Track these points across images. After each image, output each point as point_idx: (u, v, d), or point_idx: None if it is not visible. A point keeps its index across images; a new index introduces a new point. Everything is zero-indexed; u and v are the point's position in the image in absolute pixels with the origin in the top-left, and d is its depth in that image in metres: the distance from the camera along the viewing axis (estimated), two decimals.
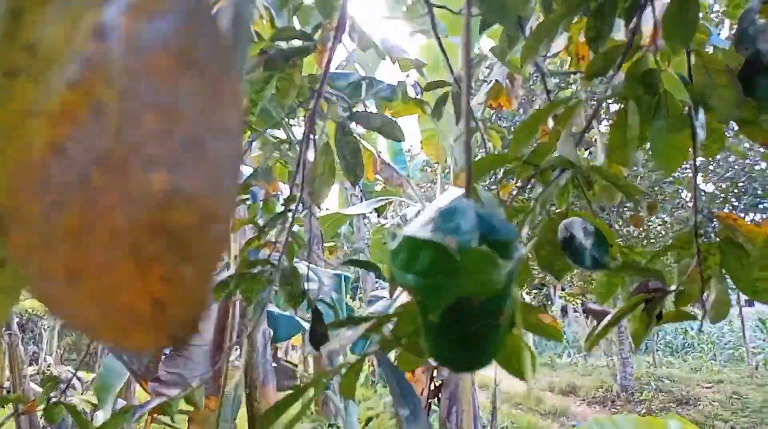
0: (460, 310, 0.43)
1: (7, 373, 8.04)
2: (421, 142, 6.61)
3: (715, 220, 0.89)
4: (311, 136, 1.24)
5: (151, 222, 0.16)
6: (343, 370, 0.75)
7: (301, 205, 1.36)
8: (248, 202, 1.49)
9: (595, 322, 0.94)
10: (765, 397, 9.29)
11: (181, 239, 0.16)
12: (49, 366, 10.30)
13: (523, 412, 9.39)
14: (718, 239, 0.89)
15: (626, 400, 10.17)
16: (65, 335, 13.81)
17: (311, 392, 0.75)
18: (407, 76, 1.65)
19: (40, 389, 1.41)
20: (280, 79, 1.23)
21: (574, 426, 8.44)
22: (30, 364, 10.75)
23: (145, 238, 0.16)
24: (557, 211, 0.93)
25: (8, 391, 8.30)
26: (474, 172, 0.86)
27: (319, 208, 1.29)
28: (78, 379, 10.87)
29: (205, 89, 0.19)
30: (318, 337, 1.36)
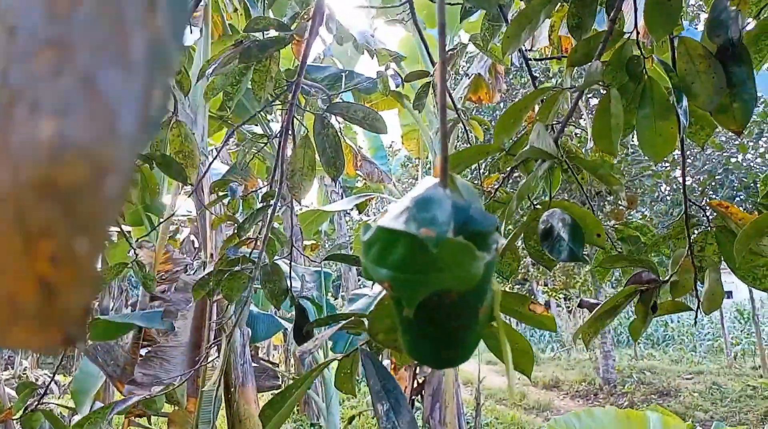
0: (437, 305, 0.40)
1: None
2: (402, 137, 6.60)
3: (707, 208, 0.88)
4: (290, 130, 1.21)
5: (39, 180, 0.13)
6: (333, 366, 0.73)
7: (281, 200, 1.32)
8: (227, 200, 1.45)
9: (586, 316, 0.93)
10: (743, 387, 9.47)
11: (73, 202, 0.13)
12: (24, 370, 10.10)
13: (506, 407, 9.45)
14: (713, 227, 0.88)
15: (609, 393, 10.28)
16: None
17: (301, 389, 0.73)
18: (386, 68, 1.62)
19: (15, 394, 1.36)
20: (256, 71, 1.19)
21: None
22: (5, 369, 10.54)
23: (32, 202, 0.13)
24: (542, 201, 0.92)
25: None
26: (457, 163, 0.84)
27: (299, 203, 1.25)
28: (55, 383, 10.69)
29: (104, 15, 0.15)
30: (302, 333, 1.33)
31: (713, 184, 7.03)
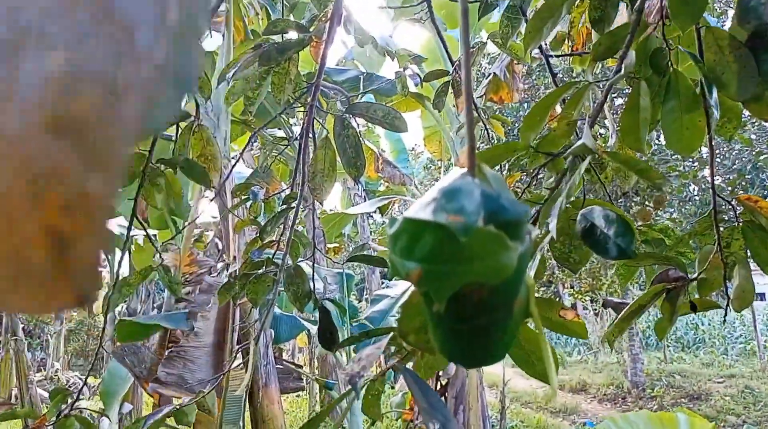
0: (468, 299, 0.39)
1: (14, 379, 8.05)
2: (424, 139, 6.58)
3: (735, 203, 0.85)
4: (310, 131, 1.21)
5: (48, 118, 0.12)
6: (334, 383, 0.71)
7: (303, 202, 1.32)
8: (249, 203, 1.46)
9: (613, 316, 0.91)
10: None
11: (85, 134, 0.12)
12: (56, 371, 10.32)
13: (532, 410, 9.33)
14: (741, 221, 0.85)
15: (637, 396, 10.09)
16: (72, 340, 13.88)
17: (343, 404, 0.71)
18: (404, 68, 1.61)
19: (47, 395, 1.38)
20: (275, 74, 1.19)
21: (584, 424, 8.38)
22: (38, 370, 10.79)
23: (41, 143, 0.12)
24: (571, 200, 0.90)
25: (16, 398, 8.31)
26: (485, 162, 0.82)
27: (321, 205, 1.25)
28: (85, 384, 10.90)
29: None
30: (327, 336, 1.32)
31: (743, 183, 6.86)
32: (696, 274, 0.87)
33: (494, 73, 2.16)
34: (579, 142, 0.65)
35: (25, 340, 7.75)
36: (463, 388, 5.77)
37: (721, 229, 0.87)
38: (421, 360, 0.79)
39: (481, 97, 2.27)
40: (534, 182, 0.91)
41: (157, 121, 0.15)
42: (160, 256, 1.25)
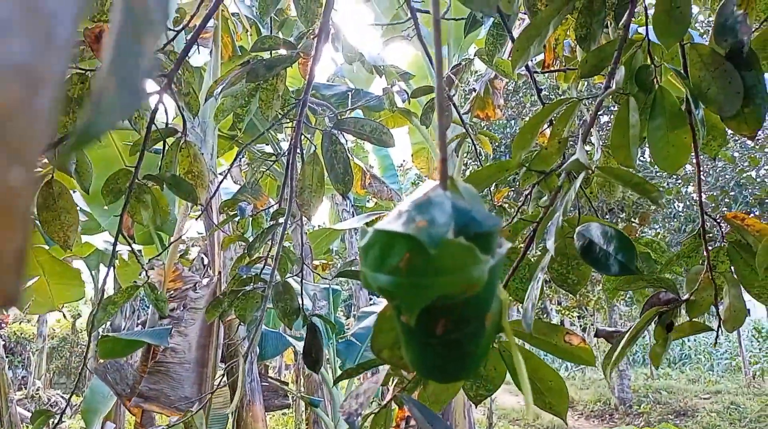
0: (440, 313, 0.39)
1: None
2: (412, 155, 6.61)
3: (722, 221, 0.86)
4: (298, 147, 1.21)
5: None
6: (341, 385, 0.69)
7: (291, 218, 1.32)
8: (237, 219, 1.46)
9: (605, 343, 0.90)
10: (762, 406, 9.24)
11: (6, 126, 0.12)
12: (38, 390, 10.10)
13: (520, 427, 9.29)
14: (726, 243, 0.85)
15: (624, 413, 10.08)
16: (55, 358, 13.61)
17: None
18: (392, 84, 1.63)
19: (28, 414, 1.34)
20: (263, 90, 1.20)
21: None
22: (19, 389, 10.55)
23: None
24: (566, 218, 0.90)
25: None
26: (477, 183, 0.82)
27: (309, 220, 1.25)
28: (69, 405, 10.68)
29: None
30: (311, 357, 1.31)
31: (727, 200, 6.96)
32: (686, 296, 0.86)
33: (474, 89, 2.19)
34: (572, 158, 0.65)
35: (6, 357, 7.59)
36: (449, 406, 5.73)
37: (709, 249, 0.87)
38: (425, 392, 0.77)
39: (467, 113, 2.30)
40: (525, 201, 0.91)
41: (100, 123, 0.15)
42: (146, 274, 1.25)
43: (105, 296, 1.18)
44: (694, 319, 0.80)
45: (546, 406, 0.74)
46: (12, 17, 0.12)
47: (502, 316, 0.46)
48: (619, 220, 8.25)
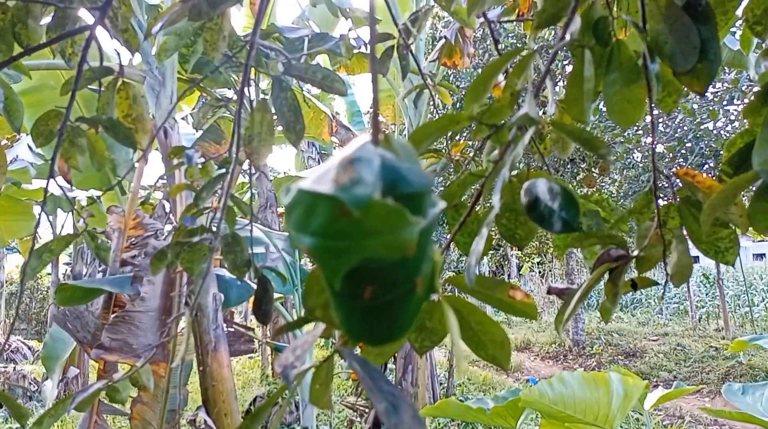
0: (367, 276, 0.37)
1: None
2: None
3: (673, 177, 0.86)
4: (244, 93, 1.16)
5: None
6: (309, 374, 0.66)
7: (239, 166, 1.28)
8: (184, 166, 1.40)
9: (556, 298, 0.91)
10: (706, 348, 9.83)
11: None
12: None
13: (479, 368, 9.67)
14: (677, 199, 0.85)
15: (578, 354, 10.59)
16: (14, 304, 13.41)
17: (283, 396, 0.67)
18: (349, 30, 1.56)
19: None
20: (207, 30, 1.13)
21: (528, 381, 8.75)
22: None
23: None
24: (515, 173, 0.88)
25: None
26: (427, 134, 0.80)
27: (258, 169, 1.21)
28: (29, 348, 10.61)
29: None
30: (261, 309, 1.30)
31: (683, 151, 7.12)
32: (636, 252, 0.87)
33: (445, 37, 2.13)
34: (521, 112, 0.63)
35: None
36: (411, 349, 5.90)
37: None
38: (365, 348, 0.76)
39: (434, 61, 2.25)
40: (474, 155, 0.90)
41: None
42: (84, 220, 1.20)
43: (41, 243, 1.13)
44: (642, 275, 0.81)
45: (489, 357, 0.75)
46: None
47: (435, 277, 0.45)
48: (580, 170, 8.39)
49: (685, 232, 0.88)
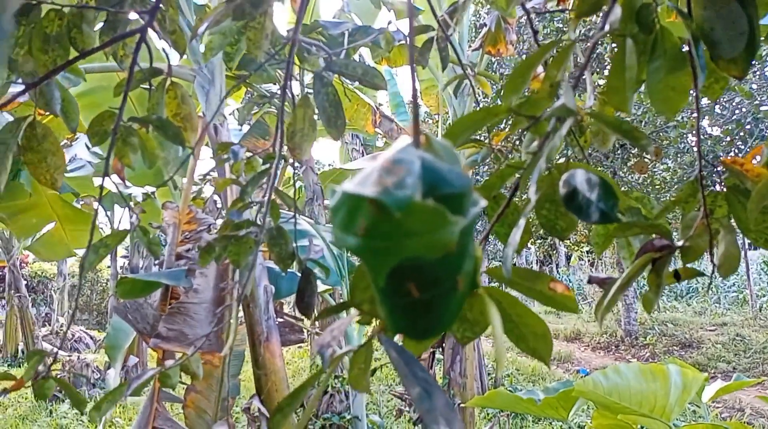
0: (410, 274, 0.39)
1: (20, 334, 8.22)
2: (421, 92, 6.47)
3: (720, 166, 0.83)
4: (287, 89, 1.18)
5: None
6: (347, 358, 0.68)
7: (283, 161, 1.30)
8: (231, 162, 1.44)
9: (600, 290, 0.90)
10: (767, 338, 9.40)
11: None
12: (61, 326, 10.53)
13: (527, 358, 9.56)
14: (724, 188, 0.83)
15: (630, 344, 10.32)
16: (74, 296, 14.14)
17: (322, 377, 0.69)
18: (389, 23, 1.56)
19: (54, 349, 1.36)
20: (250, 29, 1.15)
21: (578, 371, 8.59)
22: (43, 325, 11.01)
23: None
24: (555, 163, 0.88)
25: (23, 352, 8.51)
26: (464, 128, 0.80)
27: (301, 164, 1.23)
28: (91, 338, 11.15)
29: None
30: (303, 301, 1.32)
31: (742, 133, 6.79)
32: (681, 242, 0.85)
33: (485, 24, 2.10)
34: (558, 103, 0.62)
35: (29, 296, 7.87)
36: None
37: (705, 195, 0.85)
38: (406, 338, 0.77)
39: (478, 49, 2.22)
40: (513, 147, 0.89)
41: None
42: (137, 216, 1.25)
43: (98, 238, 1.19)
44: (687, 265, 0.79)
45: (530, 350, 0.75)
46: None
47: (476, 274, 0.45)
48: (631, 155, 8.13)
49: (733, 222, 0.86)
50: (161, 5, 1.12)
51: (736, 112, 6.84)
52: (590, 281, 0.92)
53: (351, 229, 0.38)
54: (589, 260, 17.91)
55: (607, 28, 0.76)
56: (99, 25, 1.26)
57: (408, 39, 0.51)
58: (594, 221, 0.67)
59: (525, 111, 0.80)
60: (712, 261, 0.78)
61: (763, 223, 0.74)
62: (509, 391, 2.95)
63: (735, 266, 0.77)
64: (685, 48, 0.79)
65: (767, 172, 0.76)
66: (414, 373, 0.58)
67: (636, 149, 7.81)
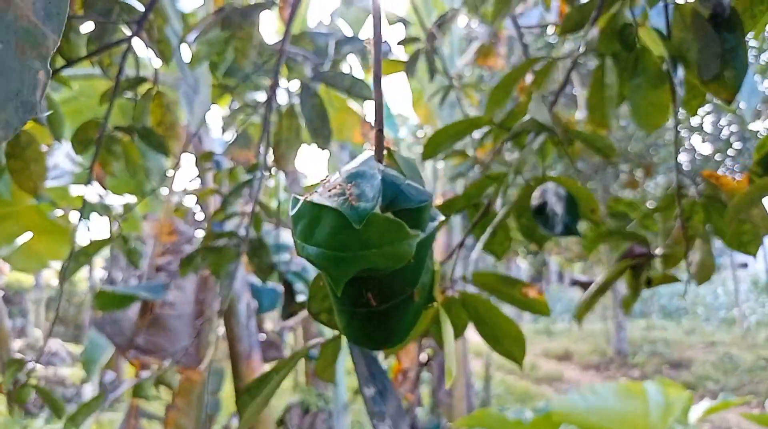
0: (367, 285, 0.38)
1: None
2: (412, 103, 6.50)
3: (698, 179, 0.85)
4: (274, 99, 1.17)
5: None
6: (316, 350, 0.70)
7: (267, 171, 1.29)
8: (213, 172, 1.43)
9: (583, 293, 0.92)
10: (755, 358, 9.43)
11: None
12: (37, 339, 10.37)
13: (517, 378, 9.51)
14: (700, 198, 0.86)
15: (620, 364, 10.31)
16: (52, 308, 13.93)
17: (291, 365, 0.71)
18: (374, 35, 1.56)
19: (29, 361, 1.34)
20: (238, 39, 1.15)
21: (567, 392, 8.56)
22: (18, 337, 10.83)
23: None
24: (534, 176, 0.89)
25: None
26: (446, 137, 0.80)
27: (286, 174, 1.23)
28: (67, 352, 10.97)
29: None
30: (288, 312, 1.31)
31: (730, 151, 6.87)
32: (659, 249, 0.88)
33: (477, 38, 2.11)
34: (527, 118, 0.63)
35: (5, 307, 7.75)
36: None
37: (683, 203, 0.87)
38: None
39: (468, 64, 2.23)
40: (491, 158, 0.90)
41: None
42: (119, 225, 1.23)
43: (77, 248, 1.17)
44: (667, 272, 0.82)
45: (505, 352, 0.77)
46: None
47: (434, 287, 0.44)
48: (621, 172, 8.19)
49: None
50: (149, 15, 1.11)
51: (725, 130, 6.94)
52: (573, 283, 0.93)
53: (311, 239, 0.37)
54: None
55: (583, 48, 0.78)
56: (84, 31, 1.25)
57: (373, 48, 0.51)
58: (558, 233, 0.69)
59: (507, 123, 0.80)
60: (687, 269, 0.81)
61: (737, 228, 0.76)
62: (498, 411, 2.92)
63: (709, 274, 0.80)
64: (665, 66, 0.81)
65: (741, 187, 0.78)
66: (372, 373, 0.58)
67: (627, 166, 7.87)
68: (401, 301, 0.38)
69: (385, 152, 0.41)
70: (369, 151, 0.41)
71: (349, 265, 0.36)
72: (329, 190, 0.38)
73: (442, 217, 0.37)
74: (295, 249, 0.38)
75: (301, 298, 1.35)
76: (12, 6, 0.16)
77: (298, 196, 0.38)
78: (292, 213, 0.38)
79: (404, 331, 0.40)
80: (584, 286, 0.97)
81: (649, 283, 0.88)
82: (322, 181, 0.39)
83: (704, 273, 0.85)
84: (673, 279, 0.89)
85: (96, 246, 1.21)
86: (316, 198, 0.36)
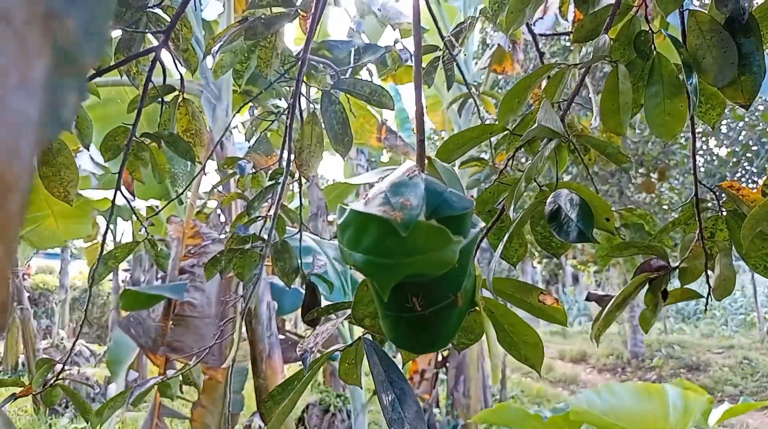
0: (412, 290, 0.40)
1: (21, 347, 8.21)
2: (426, 109, 6.52)
3: (717, 190, 0.85)
4: (296, 106, 1.20)
5: None
6: (338, 354, 0.72)
7: (290, 177, 1.32)
8: (237, 176, 1.46)
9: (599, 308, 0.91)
10: None
11: None
12: (62, 339, 10.49)
13: (532, 380, 9.46)
14: (723, 211, 0.85)
15: (636, 366, 10.21)
16: (77, 309, 14.07)
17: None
18: (395, 42, 1.58)
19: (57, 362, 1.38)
20: (261, 48, 1.18)
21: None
22: (44, 338, 10.98)
23: None
24: (548, 183, 0.89)
25: (23, 365, 8.49)
26: (460, 144, 0.82)
27: (307, 179, 1.25)
28: (91, 352, 11.13)
29: (8, 39, 0.16)
30: (310, 315, 1.33)
31: (749, 154, 6.79)
32: (678, 263, 0.87)
33: (498, 44, 2.13)
34: (536, 125, 0.64)
35: (31, 308, 7.87)
36: (464, 360, 5.85)
37: (705, 218, 0.86)
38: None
39: (484, 68, 2.24)
40: (513, 163, 0.91)
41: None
42: (146, 230, 1.26)
43: (105, 252, 1.20)
44: (685, 286, 0.80)
45: (522, 358, 0.78)
46: None
47: (476, 291, 0.46)
48: (637, 175, 8.13)
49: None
50: (176, 25, 1.15)
51: (743, 133, 6.86)
52: (588, 298, 0.93)
53: (358, 247, 0.39)
54: (596, 280, 17.80)
55: (591, 56, 0.79)
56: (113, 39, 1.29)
57: (414, 60, 0.53)
58: (572, 240, 0.69)
59: (519, 130, 0.82)
60: (707, 283, 0.80)
61: (762, 249, 0.75)
62: (517, 405, 2.91)
63: (730, 289, 0.79)
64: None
65: (761, 198, 0.77)
66: (391, 378, 0.60)
67: (642, 169, 7.81)
68: (445, 306, 0.40)
69: (426, 161, 0.43)
70: (410, 161, 0.43)
71: (395, 272, 0.38)
72: (375, 199, 0.40)
73: (483, 224, 0.39)
74: (342, 256, 0.40)
75: (324, 301, 1.37)
76: (52, 25, 0.18)
77: (345, 205, 0.41)
78: (339, 222, 0.40)
79: (448, 334, 0.42)
80: (599, 300, 0.96)
81: (665, 298, 0.86)
82: (361, 184, 0.41)
83: (725, 288, 0.82)
84: (693, 295, 0.87)
85: (125, 250, 1.25)
86: (361, 207, 0.38)
